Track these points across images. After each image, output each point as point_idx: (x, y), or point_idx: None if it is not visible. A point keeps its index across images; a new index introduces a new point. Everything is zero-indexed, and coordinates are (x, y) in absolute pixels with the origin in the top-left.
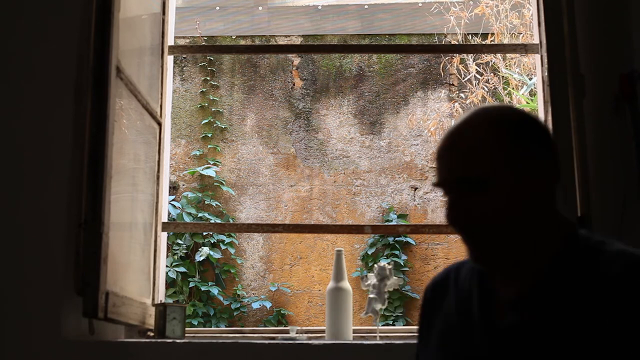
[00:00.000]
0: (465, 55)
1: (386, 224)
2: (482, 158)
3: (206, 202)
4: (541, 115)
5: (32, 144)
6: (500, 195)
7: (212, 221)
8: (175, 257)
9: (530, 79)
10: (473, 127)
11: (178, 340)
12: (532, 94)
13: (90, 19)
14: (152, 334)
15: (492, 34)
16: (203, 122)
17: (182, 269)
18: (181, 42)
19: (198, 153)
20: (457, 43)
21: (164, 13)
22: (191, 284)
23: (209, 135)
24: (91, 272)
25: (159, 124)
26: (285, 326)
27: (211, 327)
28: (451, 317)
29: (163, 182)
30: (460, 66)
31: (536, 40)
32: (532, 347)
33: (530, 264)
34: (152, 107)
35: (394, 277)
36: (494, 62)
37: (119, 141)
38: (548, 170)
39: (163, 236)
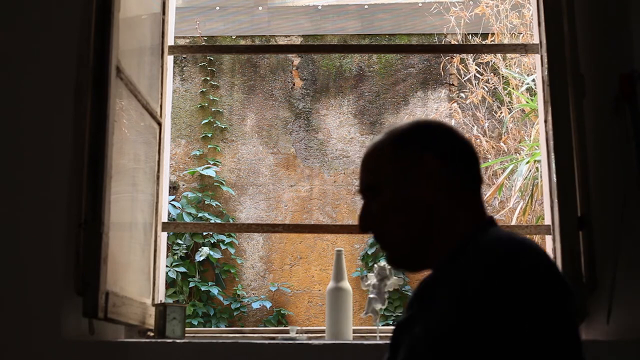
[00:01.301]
0: (465, 55)
1: None
2: (375, 167)
3: (206, 202)
4: (541, 115)
5: (32, 144)
6: (388, 198)
7: (212, 221)
8: (175, 257)
9: (533, 80)
10: (374, 142)
11: (178, 340)
12: (533, 93)
13: (90, 19)
14: (152, 334)
15: (492, 34)
16: (203, 122)
17: (182, 269)
18: (181, 42)
19: (198, 153)
20: (457, 43)
21: (164, 13)
22: (191, 284)
23: (209, 135)
24: (91, 272)
25: (159, 124)
26: (285, 326)
27: (211, 327)
28: None
29: (163, 182)
30: (460, 66)
31: (536, 40)
32: (407, 337)
33: (432, 262)
34: (152, 107)
35: (394, 277)
36: (493, 62)
37: (119, 141)
38: (433, 172)
39: (163, 236)
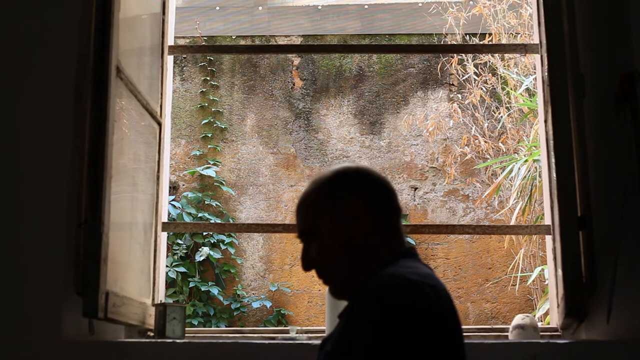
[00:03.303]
0: (463, 55)
1: None
2: (305, 214)
3: (206, 202)
4: (541, 115)
5: (32, 144)
6: (322, 240)
7: (212, 221)
8: (175, 257)
9: (531, 81)
10: (303, 192)
11: (178, 340)
12: (532, 94)
13: (90, 19)
14: (152, 334)
15: (490, 34)
16: (203, 122)
17: (182, 269)
18: (181, 42)
19: (198, 153)
20: (456, 43)
21: (164, 13)
22: (191, 284)
23: (209, 135)
24: (91, 272)
25: (159, 124)
26: (285, 326)
27: (211, 327)
28: None
29: (163, 182)
30: (458, 67)
31: (535, 40)
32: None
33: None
34: (152, 107)
35: None
36: (492, 63)
37: (119, 141)
38: (358, 212)
39: (163, 236)
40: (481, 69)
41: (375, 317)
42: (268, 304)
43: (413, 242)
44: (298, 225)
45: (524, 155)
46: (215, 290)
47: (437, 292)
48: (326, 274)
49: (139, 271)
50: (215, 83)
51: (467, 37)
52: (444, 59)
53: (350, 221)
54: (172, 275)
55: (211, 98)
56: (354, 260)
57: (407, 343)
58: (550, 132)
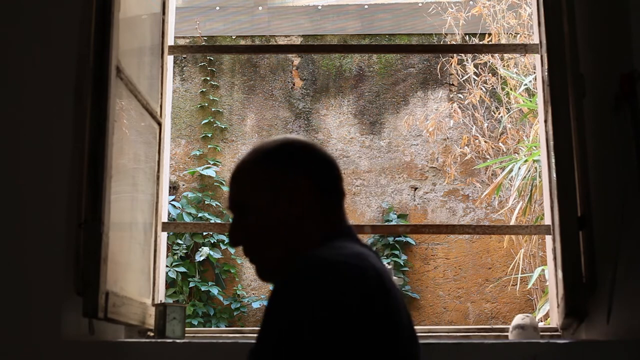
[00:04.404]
0: (463, 55)
1: (386, 224)
2: (242, 185)
3: (206, 202)
4: (541, 115)
5: (32, 144)
6: (256, 215)
7: (212, 221)
8: (175, 257)
9: (531, 81)
10: (242, 161)
11: (178, 340)
12: (532, 94)
13: (90, 19)
14: (152, 334)
15: (490, 34)
16: (203, 122)
17: (182, 269)
18: (181, 42)
19: (198, 153)
20: (456, 43)
21: (164, 13)
22: (191, 284)
23: (209, 135)
24: (91, 272)
25: (159, 124)
26: None
27: (211, 327)
28: None
29: (163, 182)
30: (458, 67)
31: (535, 40)
32: None
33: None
34: (152, 107)
35: (394, 277)
36: (491, 63)
37: (119, 141)
38: (302, 191)
39: (163, 236)
40: (481, 69)
41: (286, 301)
42: None
43: (413, 242)
44: (231, 195)
45: (524, 155)
46: (215, 290)
47: (363, 272)
48: (255, 253)
49: (139, 271)
50: (215, 83)
51: (467, 37)
52: (443, 59)
53: (291, 202)
54: (172, 275)
55: (211, 98)
56: (289, 242)
57: (318, 327)
58: (550, 132)
